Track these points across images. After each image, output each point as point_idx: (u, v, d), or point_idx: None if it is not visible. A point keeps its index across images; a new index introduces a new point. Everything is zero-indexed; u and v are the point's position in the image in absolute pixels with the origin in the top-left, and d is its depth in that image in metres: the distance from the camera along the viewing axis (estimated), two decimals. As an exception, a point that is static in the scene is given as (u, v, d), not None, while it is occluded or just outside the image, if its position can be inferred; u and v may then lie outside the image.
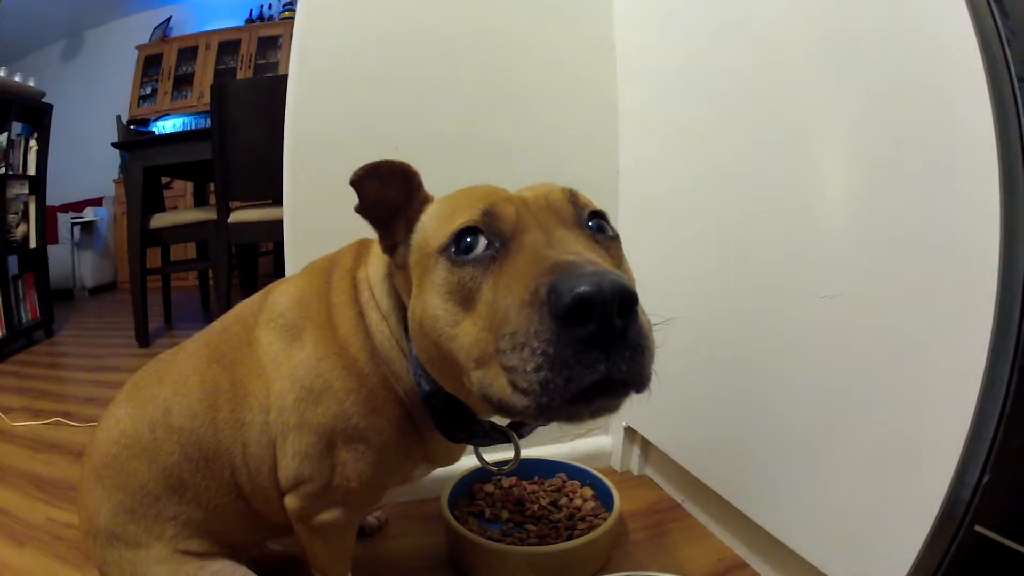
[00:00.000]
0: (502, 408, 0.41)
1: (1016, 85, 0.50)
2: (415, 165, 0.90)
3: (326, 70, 0.98)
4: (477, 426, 0.56)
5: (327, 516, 0.60)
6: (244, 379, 0.60)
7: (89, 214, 4.26)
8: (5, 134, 2.53)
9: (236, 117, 2.03)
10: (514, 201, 0.48)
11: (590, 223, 0.49)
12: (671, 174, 0.98)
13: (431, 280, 0.47)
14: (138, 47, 4.64)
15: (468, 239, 0.45)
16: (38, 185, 2.78)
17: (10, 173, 2.58)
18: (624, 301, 0.35)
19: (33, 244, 2.77)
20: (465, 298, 0.44)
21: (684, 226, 0.95)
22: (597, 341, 0.35)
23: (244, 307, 0.67)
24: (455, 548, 0.85)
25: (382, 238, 0.55)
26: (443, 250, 0.46)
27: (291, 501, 0.60)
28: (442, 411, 0.55)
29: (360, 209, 0.53)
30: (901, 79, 0.58)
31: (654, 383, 0.39)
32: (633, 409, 0.89)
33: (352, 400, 0.57)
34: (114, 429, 0.63)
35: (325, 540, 0.63)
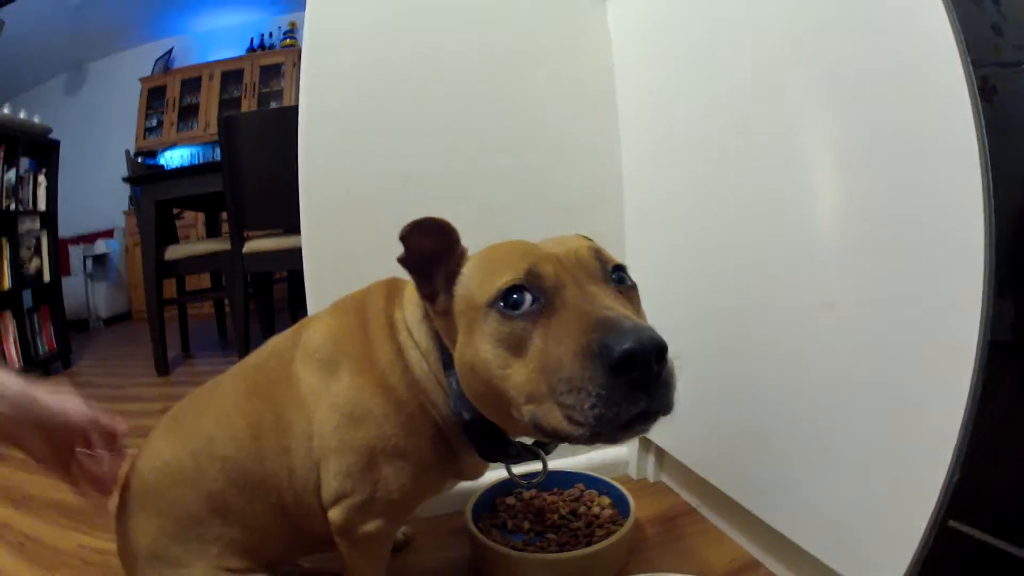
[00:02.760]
0: (555, 435, 0.49)
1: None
2: (426, 188, 0.93)
3: (334, 99, 1.01)
4: (511, 447, 0.63)
5: (369, 527, 0.64)
6: (285, 411, 0.65)
7: (101, 247, 4.30)
8: (13, 170, 2.58)
9: (245, 149, 2.06)
10: (550, 259, 0.53)
11: (614, 275, 0.56)
12: (672, 185, 1.01)
13: (482, 329, 0.53)
14: (141, 79, 4.67)
15: (515, 295, 0.51)
16: (49, 220, 2.83)
17: (21, 209, 2.63)
18: (660, 351, 0.44)
19: (47, 278, 2.81)
20: (515, 345, 0.50)
21: (686, 235, 0.97)
22: (639, 383, 0.44)
23: (278, 344, 0.72)
24: (479, 559, 0.88)
25: (421, 286, 0.60)
26: (492, 304, 0.52)
27: (335, 515, 0.63)
28: (481, 436, 0.61)
29: (404, 260, 0.59)
30: (895, 97, 0.61)
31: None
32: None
33: (391, 424, 0.62)
34: (156, 459, 0.68)
35: (366, 551, 0.67)
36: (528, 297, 0.51)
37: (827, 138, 0.70)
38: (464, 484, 0.78)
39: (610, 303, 0.49)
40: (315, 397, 0.64)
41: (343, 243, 1.01)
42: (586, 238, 0.68)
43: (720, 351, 0.91)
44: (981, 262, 0.53)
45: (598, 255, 0.56)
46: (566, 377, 0.45)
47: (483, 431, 0.61)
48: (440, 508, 1.06)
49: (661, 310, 1.01)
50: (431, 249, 0.58)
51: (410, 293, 0.67)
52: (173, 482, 0.66)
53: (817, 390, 0.72)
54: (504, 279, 0.52)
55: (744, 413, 0.86)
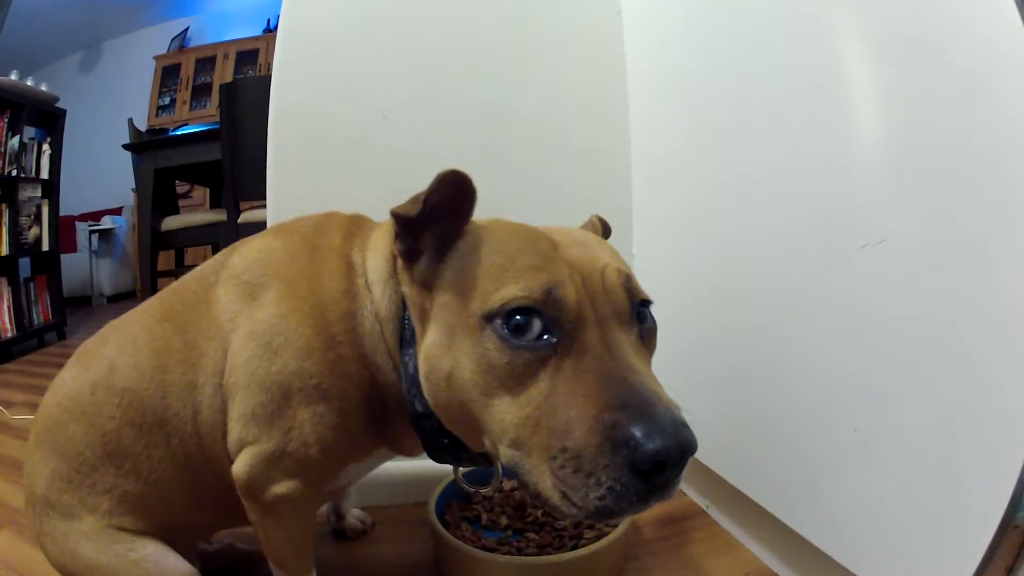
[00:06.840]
0: (537, 499, 0.40)
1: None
2: (411, 135, 0.83)
3: (313, 31, 0.93)
4: (465, 451, 0.53)
5: (280, 488, 0.53)
6: (198, 339, 0.56)
7: (107, 222, 4.27)
8: (17, 137, 2.55)
9: (246, 116, 2.00)
10: (574, 281, 0.43)
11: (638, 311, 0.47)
12: (686, 127, 0.90)
13: (470, 344, 0.43)
14: (156, 57, 4.68)
15: (522, 318, 0.42)
16: (51, 189, 2.79)
17: (22, 176, 2.60)
18: (690, 452, 0.36)
19: (46, 247, 2.78)
20: (511, 379, 0.42)
21: (702, 188, 0.86)
22: (658, 487, 0.37)
23: (206, 265, 0.62)
24: (440, 556, 0.76)
25: (402, 239, 0.49)
26: (490, 318, 0.42)
27: (239, 468, 0.53)
28: (432, 433, 0.52)
29: (406, 216, 0.46)
30: None
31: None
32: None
33: (316, 360, 0.52)
34: (58, 391, 0.60)
35: (279, 521, 0.56)
36: (538, 324, 0.42)
37: (868, 50, 0.59)
38: (433, 467, 0.63)
39: (637, 363, 0.41)
40: (233, 325, 0.55)
41: (312, 191, 0.91)
42: (602, 221, 0.59)
43: (740, 323, 0.78)
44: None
45: (627, 285, 0.46)
46: (573, 452, 0.37)
47: (436, 429, 0.51)
48: (408, 495, 0.94)
49: (672, 277, 0.90)
50: (440, 204, 0.46)
51: (378, 240, 0.56)
52: (70, 417, 0.57)
53: (862, 361, 0.59)
54: (513, 292, 0.42)
55: (769, 395, 0.73)
